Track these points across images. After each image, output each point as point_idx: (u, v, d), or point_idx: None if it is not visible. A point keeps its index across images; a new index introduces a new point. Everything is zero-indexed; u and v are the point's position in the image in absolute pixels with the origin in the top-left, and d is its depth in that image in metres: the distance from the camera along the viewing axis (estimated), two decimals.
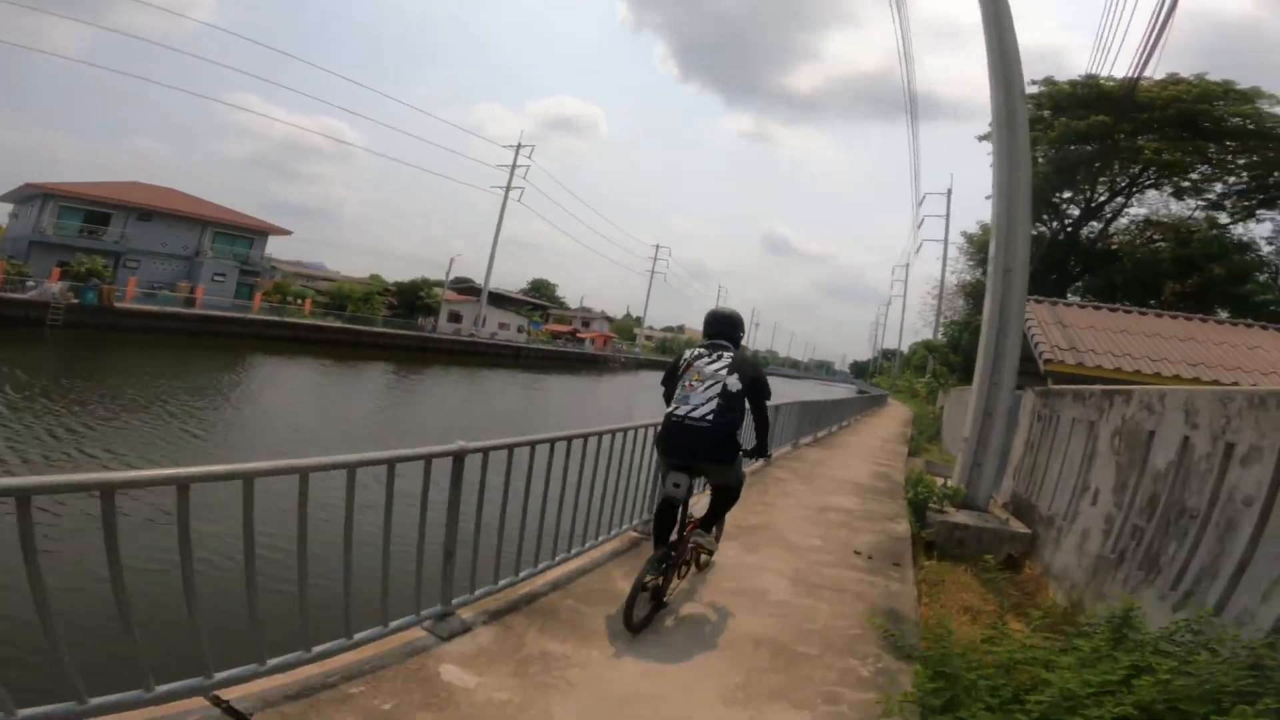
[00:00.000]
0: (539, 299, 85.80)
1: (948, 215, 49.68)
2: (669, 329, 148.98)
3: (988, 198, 24.87)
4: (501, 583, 3.34)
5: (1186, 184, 25.35)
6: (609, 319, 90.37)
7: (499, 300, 69.36)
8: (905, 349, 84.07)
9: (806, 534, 5.70)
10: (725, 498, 3.89)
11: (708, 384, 3.53)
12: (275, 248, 49.15)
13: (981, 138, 28.83)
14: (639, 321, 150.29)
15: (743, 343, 4.05)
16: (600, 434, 4.03)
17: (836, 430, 16.54)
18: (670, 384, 3.73)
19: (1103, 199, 26.40)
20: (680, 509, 3.61)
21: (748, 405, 3.69)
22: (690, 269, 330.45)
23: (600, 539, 4.23)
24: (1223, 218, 23.22)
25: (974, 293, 29.38)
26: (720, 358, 3.65)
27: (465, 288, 69.83)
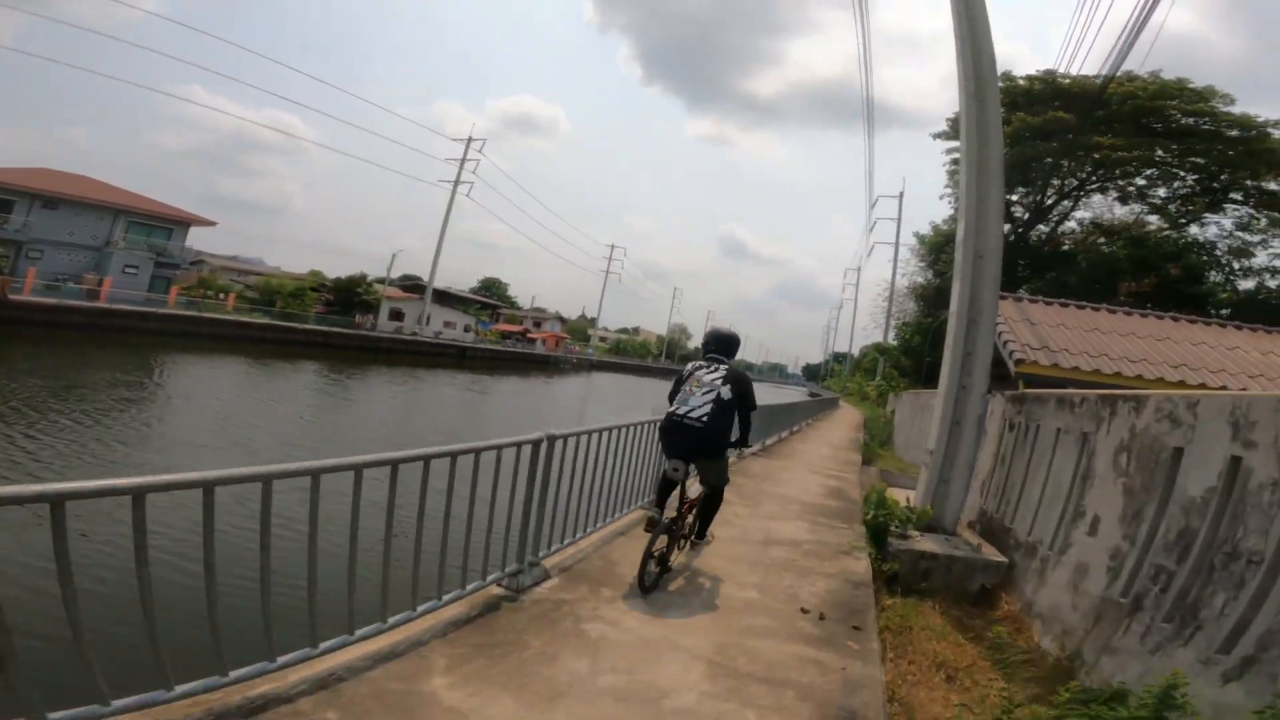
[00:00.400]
0: (489, 298, 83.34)
1: (899, 218, 50.06)
2: (624, 330, 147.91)
3: (941, 197, 23.99)
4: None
5: (1132, 188, 25.44)
6: (562, 319, 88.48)
7: (446, 299, 66.83)
8: (856, 352, 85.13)
9: (741, 582, 4.41)
10: (713, 500, 4.67)
11: (704, 390, 4.20)
12: (213, 242, 46.06)
13: (936, 135, 28.57)
14: (593, 322, 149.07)
15: (737, 355, 4.71)
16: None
17: (787, 436, 15.64)
18: (676, 389, 4.40)
19: (1050, 202, 26.29)
20: (679, 487, 4.40)
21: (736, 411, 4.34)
22: (647, 271, 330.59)
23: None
24: (1167, 221, 23.26)
25: (926, 295, 28.99)
26: (716, 370, 4.35)
27: (412, 285, 67.05)
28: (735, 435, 4.52)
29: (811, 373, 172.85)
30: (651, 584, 3.92)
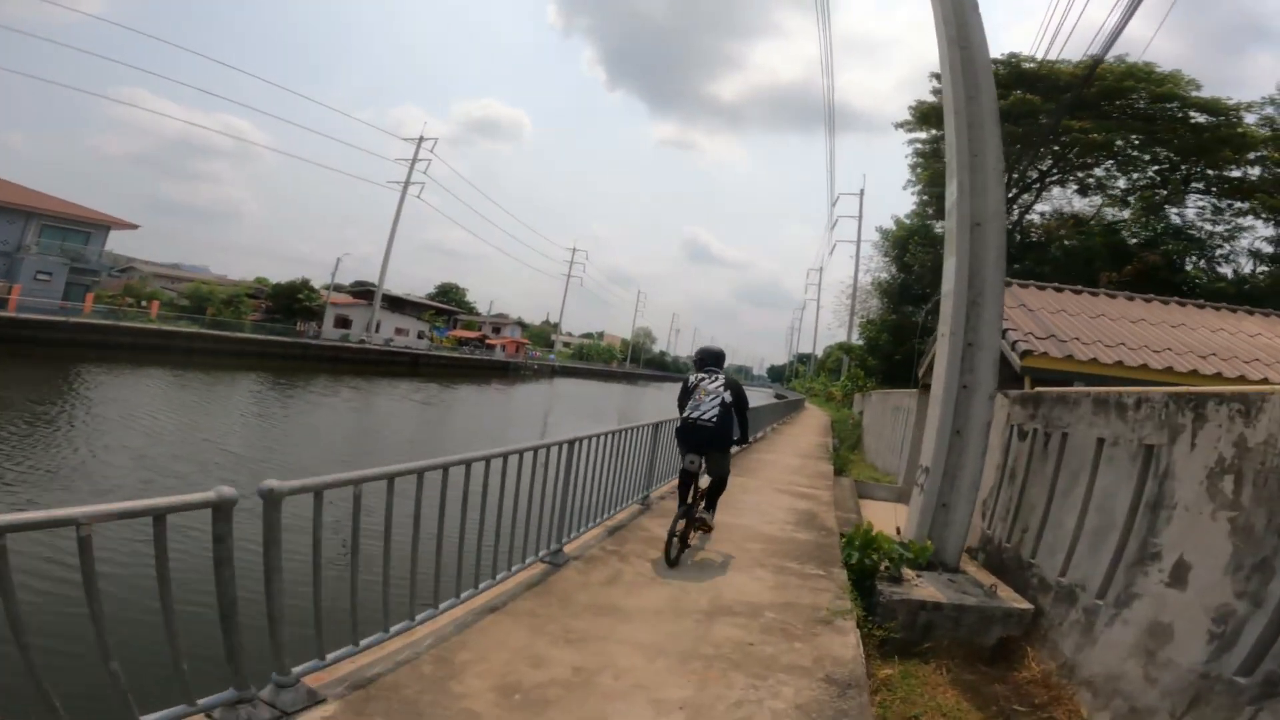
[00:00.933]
0: (446, 304, 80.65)
1: (860, 215, 49.49)
2: (588, 335, 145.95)
3: (904, 187, 23.12)
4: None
5: (1091, 180, 24.89)
6: (522, 325, 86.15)
7: (399, 305, 64.16)
8: (820, 353, 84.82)
9: (665, 693, 2.81)
10: (719, 485, 5.52)
11: (711, 397, 5.19)
12: (157, 250, 42.64)
13: (899, 125, 27.65)
14: (557, 328, 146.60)
15: (724, 363, 5.83)
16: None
17: (752, 443, 14.19)
18: (684, 398, 5.37)
19: (1012, 195, 25.55)
20: (695, 479, 5.26)
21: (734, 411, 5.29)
22: (612, 275, 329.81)
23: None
24: (1132, 211, 22.69)
25: (890, 291, 28.01)
26: (716, 379, 5.33)
27: (362, 291, 64.19)
28: (736, 434, 5.33)
29: (776, 374, 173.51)
30: (675, 558, 4.82)
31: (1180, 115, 19.46)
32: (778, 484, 9.41)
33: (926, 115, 26.03)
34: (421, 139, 53.76)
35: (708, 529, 5.42)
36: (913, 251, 24.89)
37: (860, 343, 29.20)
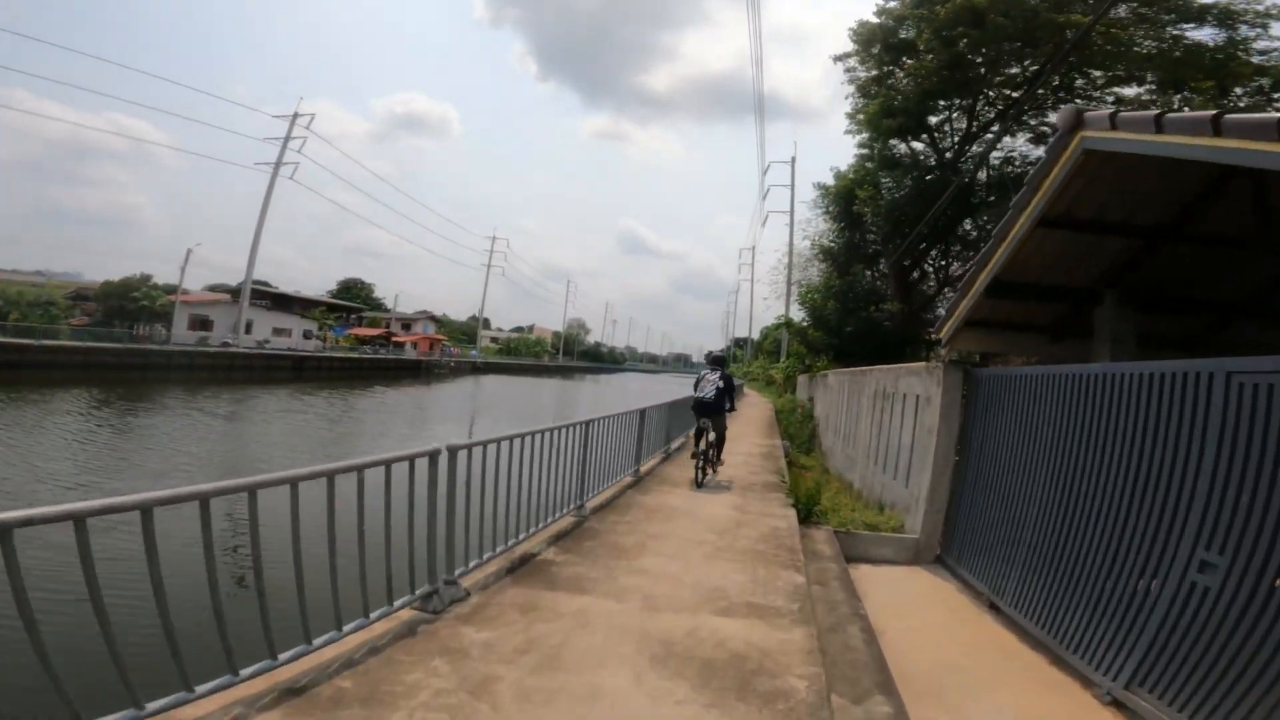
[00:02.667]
0: (349, 301, 72.80)
1: (793, 184, 45.17)
2: (519, 329, 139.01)
3: (847, 132, 18.10)
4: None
5: (1046, 128, 20.93)
6: (436, 320, 78.88)
7: (284, 302, 56.36)
8: (757, 335, 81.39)
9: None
10: (721, 439, 8.66)
11: (712, 384, 8.41)
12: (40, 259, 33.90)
13: (838, 57, 23.16)
14: (487, 323, 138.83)
15: (727, 364, 9.94)
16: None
17: (677, 447, 11.06)
18: (696, 384, 8.70)
19: (979, 125, 21.47)
20: (705, 434, 8.26)
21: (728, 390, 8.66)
22: (548, 270, 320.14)
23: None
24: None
25: (834, 253, 23.56)
26: (716, 372, 8.61)
27: (256, 292, 56.17)
28: (728, 405, 8.68)
29: (714, 361, 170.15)
30: (700, 483, 7.97)
31: (1172, 37, 15.73)
32: (704, 540, 5.43)
33: (869, 38, 21.63)
34: (295, 115, 46.32)
35: (716, 467, 8.72)
36: (863, 199, 20.41)
37: (801, 317, 24.66)
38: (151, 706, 2.27)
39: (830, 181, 24.33)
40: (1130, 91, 19.76)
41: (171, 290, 41.36)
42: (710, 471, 8.30)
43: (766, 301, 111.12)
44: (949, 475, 6.01)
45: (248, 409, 23.89)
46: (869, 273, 22.71)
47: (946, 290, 23.70)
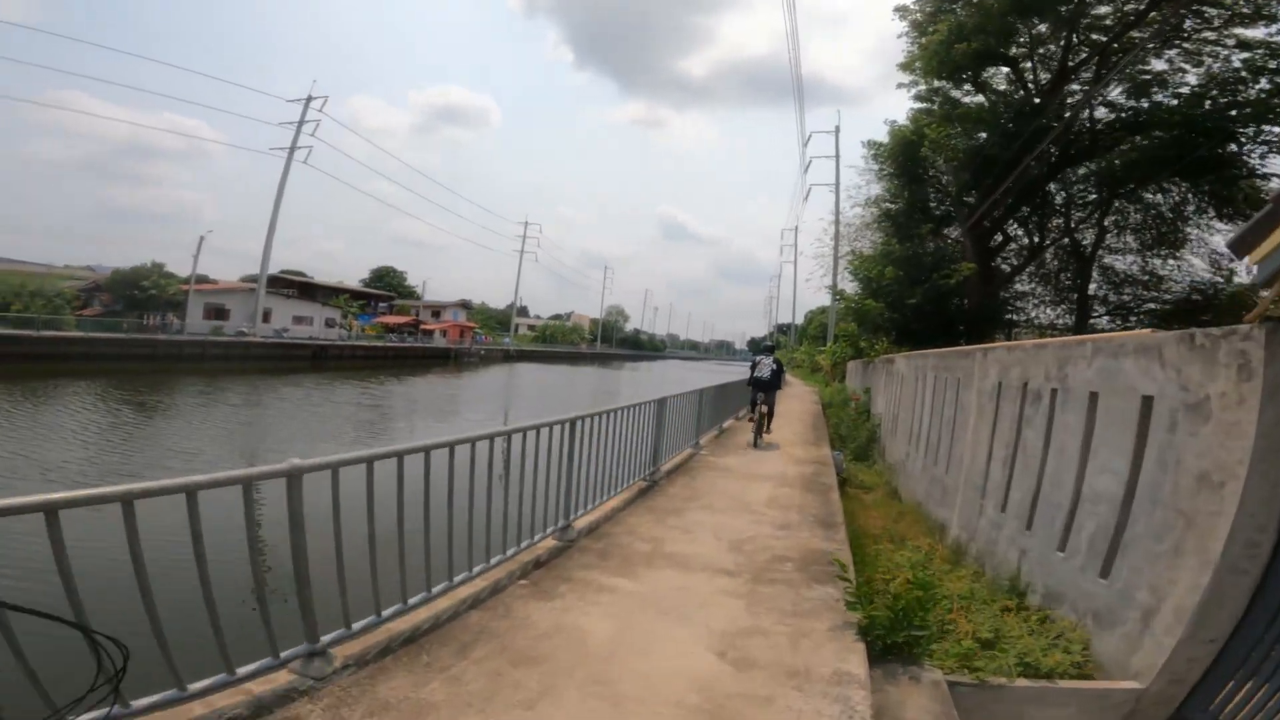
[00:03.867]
0: (381, 289, 71.52)
1: (837, 154, 40.88)
2: (557, 316, 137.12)
3: (900, 86, 13.89)
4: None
5: (1148, 76, 16.54)
6: (467, 307, 76.97)
7: (309, 291, 55.07)
8: (801, 320, 76.89)
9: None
10: (772, 410, 10.71)
11: (767, 366, 10.59)
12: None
13: (898, 8, 19.30)
14: (524, 311, 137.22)
15: (775, 350, 12.08)
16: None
17: (716, 438, 11.04)
18: (752, 369, 10.80)
19: (1070, 66, 17.34)
20: (759, 404, 10.46)
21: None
22: (589, 258, 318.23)
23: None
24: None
25: (898, 214, 19.78)
26: (769, 357, 10.86)
27: (279, 280, 55.16)
28: (780, 385, 10.87)
29: (756, 346, 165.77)
30: (754, 443, 10.18)
31: None
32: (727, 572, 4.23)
33: None
34: (310, 98, 44.39)
35: (767, 433, 10.69)
36: (932, 142, 16.67)
37: (854, 290, 20.93)
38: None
39: (883, 140, 20.59)
40: (1258, 33, 15.46)
41: (189, 280, 40.00)
42: (765, 434, 10.60)
43: (809, 281, 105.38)
44: (1256, 568, 2.70)
45: (227, 399, 21.67)
46: (937, 238, 18.90)
47: (1027, 273, 19.73)
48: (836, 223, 30.87)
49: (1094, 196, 18.03)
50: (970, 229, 16.80)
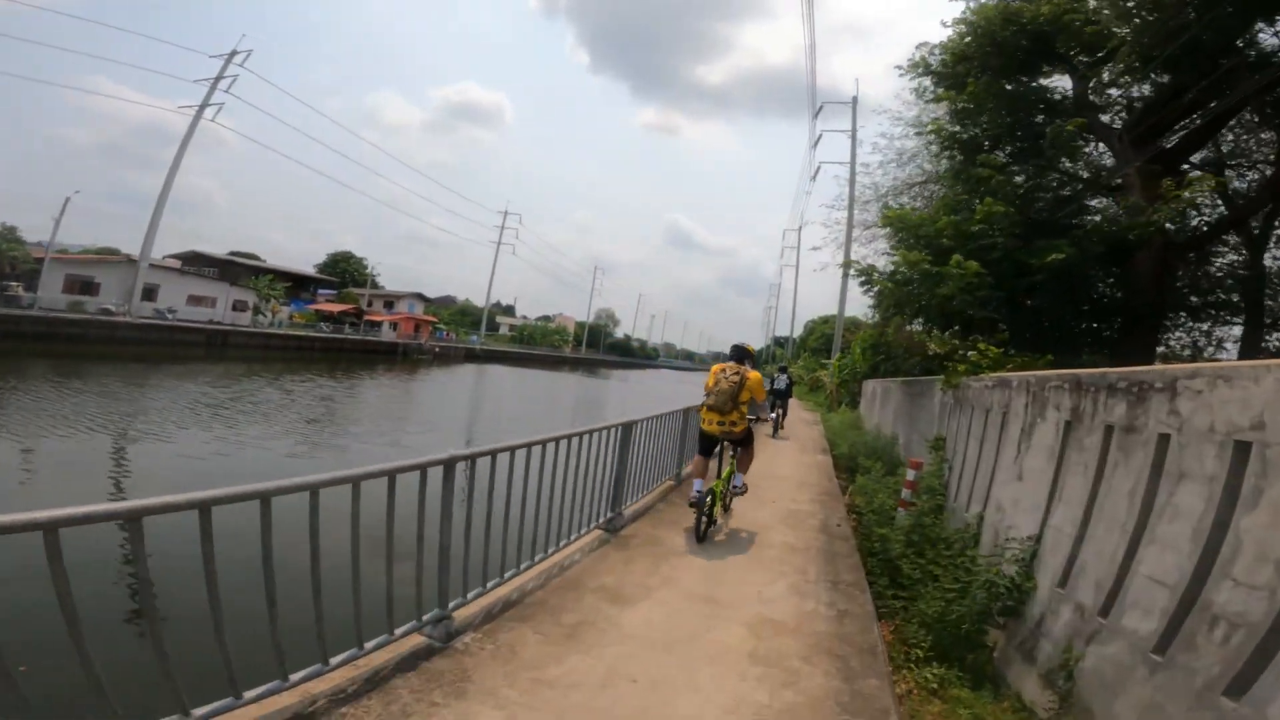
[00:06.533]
0: (335, 277, 64.05)
1: (854, 128, 33.39)
2: (544, 317, 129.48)
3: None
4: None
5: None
6: (424, 299, 69.27)
7: (232, 272, 47.55)
8: (800, 331, 69.22)
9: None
10: (786, 412, 14.98)
11: (783, 379, 14.70)
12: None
13: None
14: (511, 310, 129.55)
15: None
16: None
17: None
18: (770, 382, 14.39)
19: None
20: (777, 407, 14.40)
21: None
22: (601, 263, 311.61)
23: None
24: None
25: (959, 140, 12.24)
26: (784, 373, 15.03)
27: (209, 259, 47.51)
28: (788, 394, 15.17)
29: (781, 369, 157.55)
30: (774, 435, 13.42)
31: None
32: None
33: None
34: (234, 52, 36.99)
35: (781, 427, 13.73)
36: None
37: (890, 265, 13.13)
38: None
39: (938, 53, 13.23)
40: None
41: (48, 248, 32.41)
42: (781, 428, 13.75)
43: (819, 251, 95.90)
44: None
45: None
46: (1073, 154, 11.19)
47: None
48: (850, 194, 23.38)
49: None
50: (1132, 136, 9.27)
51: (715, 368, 5.68)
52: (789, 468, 9.45)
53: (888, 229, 14.69)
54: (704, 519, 5.21)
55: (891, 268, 12.07)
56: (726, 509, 6.02)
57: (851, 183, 23.41)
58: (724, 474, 5.72)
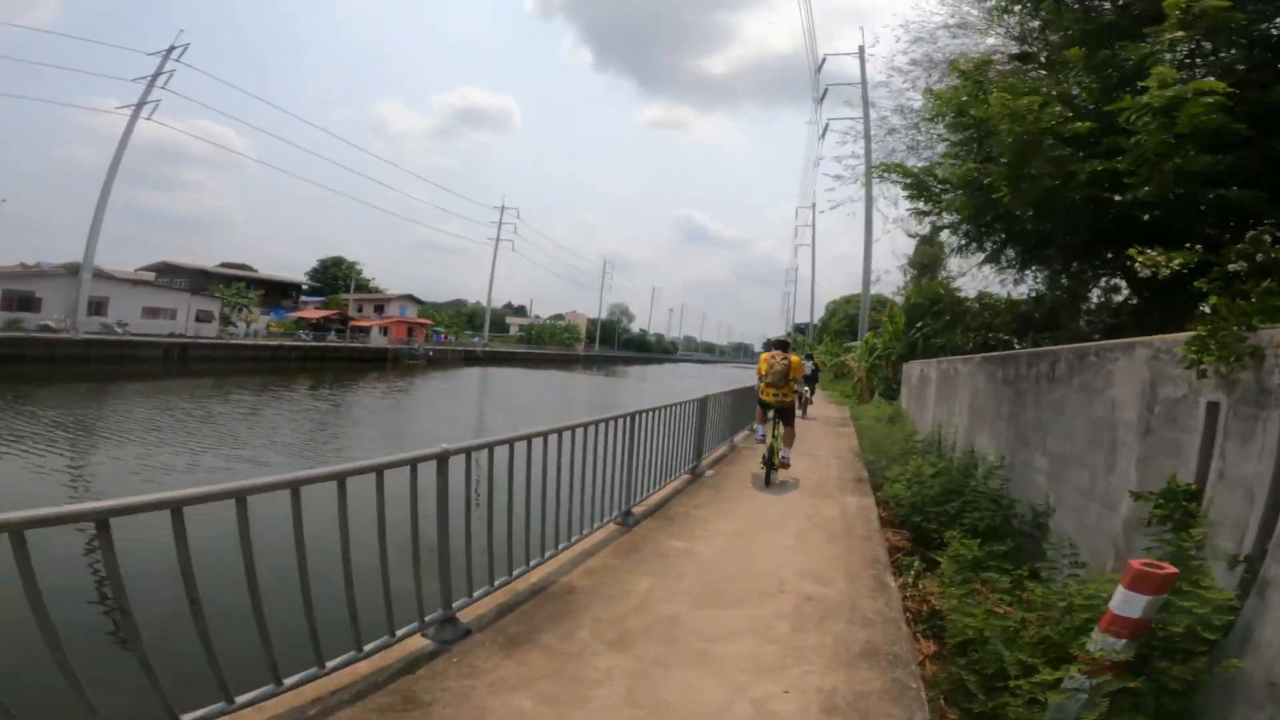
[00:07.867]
0: (327, 283, 61.03)
1: (864, 80, 28.68)
2: (556, 316, 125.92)
3: None
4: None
5: None
6: (416, 300, 65.79)
7: (205, 282, 44.53)
8: (822, 314, 64.56)
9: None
10: (810, 396, 16.26)
11: (811, 365, 16.63)
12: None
13: None
14: (523, 310, 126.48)
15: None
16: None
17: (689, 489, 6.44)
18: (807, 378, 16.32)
19: None
20: (803, 393, 14.52)
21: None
22: (613, 261, 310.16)
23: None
24: None
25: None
26: (810, 361, 16.77)
27: (181, 270, 44.68)
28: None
29: (806, 356, 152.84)
30: (803, 415, 14.22)
31: None
32: None
33: None
34: (171, 48, 33.75)
35: (808, 407, 15.01)
36: None
37: (932, 223, 8.99)
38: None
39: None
40: None
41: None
42: (809, 404, 15.00)
43: (831, 192, 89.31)
44: None
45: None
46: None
47: None
48: (867, 136, 19.05)
49: None
50: None
51: (764, 355, 7.78)
52: (791, 538, 5.51)
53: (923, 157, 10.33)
54: (769, 468, 7.15)
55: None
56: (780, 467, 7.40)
57: (866, 128, 19.03)
58: (772, 444, 7.24)
